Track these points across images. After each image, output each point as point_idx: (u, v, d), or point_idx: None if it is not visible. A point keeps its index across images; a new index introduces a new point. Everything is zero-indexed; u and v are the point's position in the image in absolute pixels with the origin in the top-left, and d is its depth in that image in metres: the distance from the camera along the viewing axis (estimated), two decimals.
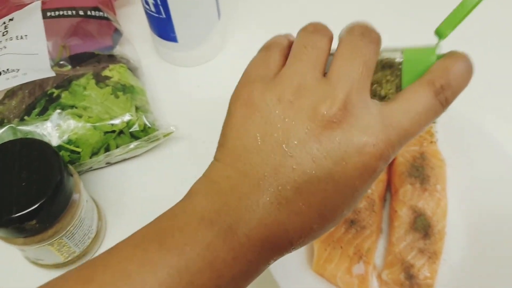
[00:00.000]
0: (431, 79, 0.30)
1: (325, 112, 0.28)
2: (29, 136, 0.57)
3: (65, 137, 0.57)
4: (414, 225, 0.52)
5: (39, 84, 0.60)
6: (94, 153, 0.59)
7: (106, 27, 0.68)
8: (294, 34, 0.35)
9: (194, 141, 0.63)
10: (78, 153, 0.58)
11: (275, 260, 0.31)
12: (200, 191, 0.31)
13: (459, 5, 0.32)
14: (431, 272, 0.50)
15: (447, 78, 0.30)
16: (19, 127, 0.57)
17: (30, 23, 0.63)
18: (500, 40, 0.72)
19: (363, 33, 0.31)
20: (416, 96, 0.30)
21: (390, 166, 0.57)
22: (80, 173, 0.60)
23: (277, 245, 0.29)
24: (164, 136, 0.61)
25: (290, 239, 0.29)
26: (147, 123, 0.60)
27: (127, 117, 0.59)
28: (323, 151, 0.28)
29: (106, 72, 0.62)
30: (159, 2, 0.60)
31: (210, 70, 0.70)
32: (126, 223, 0.57)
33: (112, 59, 0.65)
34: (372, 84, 0.34)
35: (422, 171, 0.54)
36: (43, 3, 0.65)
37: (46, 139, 0.57)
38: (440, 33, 0.33)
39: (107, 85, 0.60)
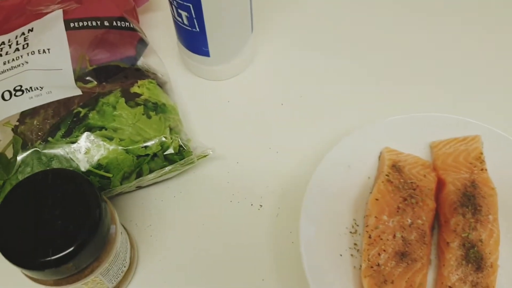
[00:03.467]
0: None
1: None
2: (54, 160, 0.53)
3: (94, 162, 0.53)
4: (466, 257, 0.50)
5: (64, 102, 0.56)
6: (125, 178, 0.55)
7: (130, 37, 0.64)
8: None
9: (228, 161, 0.61)
10: (109, 178, 0.54)
11: None
12: None
13: None
14: None
15: None
16: (44, 151, 0.53)
17: (52, 35, 0.59)
18: None
19: None
20: None
21: (439, 194, 0.55)
22: (109, 198, 0.57)
23: None
24: (198, 158, 0.57)
25: None
26: (182, 145, 0.57)
27: (161, 140, 0.56)
28: None
29: (135, 89, 0.58)
30: (193, 15, 0.56)
31: (240, 83, 0.67)
32: (158, 249, 0.54)
33: (139, 73, 0.61)
34: None
35: (473, 201, 0.52)
36: (65, 12, 0.61)
37: (73, 164, 0.53)
38: None
39: (137, 104, 0.57)
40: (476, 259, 0.50)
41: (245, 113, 0.64)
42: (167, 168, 0.56)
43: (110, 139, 0.54)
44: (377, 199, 0.54)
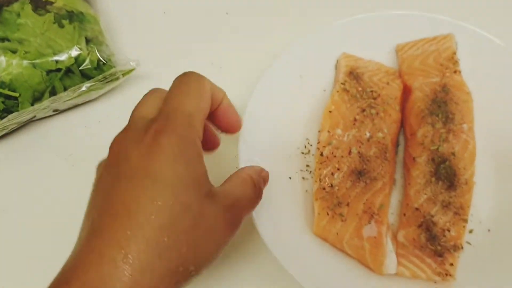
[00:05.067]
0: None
1: None
2: None
3: None
4: (436, 174, 0.42)
5: None
6: (37, 99, 0.47)
7: None
8: None
9: (163, 79, 0.51)
10: (16, 98, 0.46)
11: None
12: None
13: None
14: (458, 231, 0.40)
15: None
16: None
17: None
18: None
19: None
20: None
21: (405, 102, 0.46)
22: (23, 124, 0.49)
23: None
24: (124, 74, 0.49)
25: None
26: (102, 58, 0.48)
27: (75, 52, 0.47)
28: None
29: None
30: None
31: None
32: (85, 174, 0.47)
33: None
34: None
35: (445, 108, 0.44)
36: None
37: None
38: None
39: (48, 12, 0.48)
40: (447, 175, 0.42)
41: (183, 24, 0.55)
42: (85, 86, 0.47)
43: (14, 51, 0.46)
44: (330, 111, 0.45)
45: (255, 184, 0.36)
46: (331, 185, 0.42)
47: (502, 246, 0.41)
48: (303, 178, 0.45)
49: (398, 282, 0.40)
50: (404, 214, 0.42)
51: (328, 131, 0.44)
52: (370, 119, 0.44)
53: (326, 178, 0.43)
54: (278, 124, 0.46)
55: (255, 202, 0.36)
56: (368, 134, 0.44)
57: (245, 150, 0.42)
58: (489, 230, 0.42)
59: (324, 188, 0.42)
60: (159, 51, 0.54)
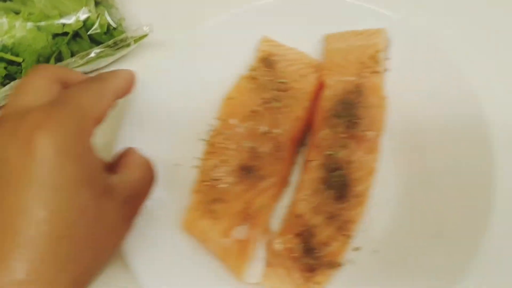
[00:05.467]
0: None
1: None
2: None
3: None
4: (327, 182, 0.38)
5: None
6: (41, 63, 0.45)
7: None
8: None
9: (174, 48, 0.47)
10: (19, 64, 0.44)
11: None
12: None
13: None
14: (339, 247, 0.37)
15: None
16: None
17: None
18: None
19: None
20: None
21: (316, 99, 0.42)
22: None
23: None
24: (136, 41, 0.46)
25: None
26: (112, 22, 0.46)
27: (83, 14, 0.45)
28: None
29: None
30: None
31: None
32: None
33: None
34: None
35: (352, 111, 0.39)
36: None
37: None
38: None
39: None
40: (339, 185, 0.38)
41: None
42: (93, 52, 0.45)
43: (17, 13, 0.44)
44: (230, 99, 0.42)
45: (152, 167, 0.33)
46: (215, 179, 0.39)
47: (387, 270, 0.37)
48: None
49: None
50: (285, 220, 0.39)
51: (223, 120, 0.41)
52: (271, 113, 0.41)
53: (210, 170, 0.40)
54: (177, 109, 0.43)
55: (152, 187, 0.33)
56: (265, 129, 0.40)
57: (129, 129, 0.40)
58: (376, 251, 0.38)
59: (205, 181, 0.39)
60: (175, 16, 0.50)
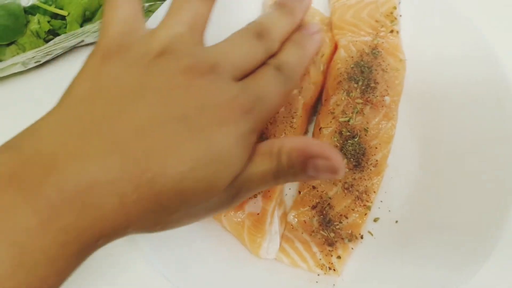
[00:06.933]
0: None
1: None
2: None
3: None
4: (342, 150, 0.36)
5: None
6: (87, 19, 0.42)
7: None
8: None
9: None
10: (63, 18, 0.40)
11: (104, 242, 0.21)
12: None
13: None
14: (358, 219, 0.35)
15: None
16: None
17: None
18: None
19: None
20: None
21: (330, 62, 0.39)
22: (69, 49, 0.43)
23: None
24: None
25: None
26: None
27: None
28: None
29: None
30: None
31: None
32: None
33: None
34: None
35: (368, 74, 0.37)
36: None
37: None
38: None
39: None
40: (355, 153, 0.36)
41: None
42: (147, 4, 0.41)
43: None
44: None
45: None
46: None
47: (406, 242, 0.36)
48: None
49: (277, 270, 0.35)
50: (300, 192, 0.36)
51: None
52: None
53: None
54: None
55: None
56: None
57: None
58: (396, 222, 0.36)
59: None
60: None
